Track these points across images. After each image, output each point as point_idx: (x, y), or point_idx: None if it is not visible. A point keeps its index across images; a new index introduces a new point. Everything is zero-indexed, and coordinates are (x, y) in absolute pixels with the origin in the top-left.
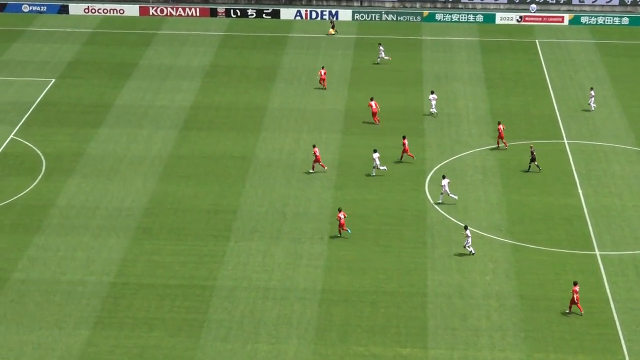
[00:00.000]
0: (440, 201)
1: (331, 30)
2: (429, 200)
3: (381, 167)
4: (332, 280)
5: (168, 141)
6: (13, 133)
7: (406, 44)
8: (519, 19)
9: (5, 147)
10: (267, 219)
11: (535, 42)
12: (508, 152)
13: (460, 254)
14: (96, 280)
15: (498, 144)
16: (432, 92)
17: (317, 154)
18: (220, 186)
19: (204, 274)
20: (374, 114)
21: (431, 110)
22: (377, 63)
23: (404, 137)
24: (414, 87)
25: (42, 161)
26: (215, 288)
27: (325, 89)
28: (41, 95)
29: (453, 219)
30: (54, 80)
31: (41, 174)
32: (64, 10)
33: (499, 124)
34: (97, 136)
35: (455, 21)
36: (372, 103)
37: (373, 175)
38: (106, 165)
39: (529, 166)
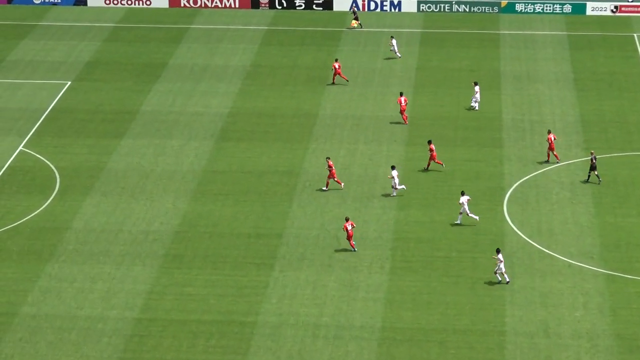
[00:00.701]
0: (458, 222)
1: (354, 23)
2: (509, 223)
3: (399, 187)
4: (394, 316)
5: (202, 154)
6: (22, 144)
7: (481, 39)
8: (614, 10)
9: (13, 160)
10: (317, 245)
11: (633, 36)
12: (602, 167)
13: (546, 286)
14: (118, 316)
15: (549, 156)
16: (476, 84)
17: (333, 167)
18: (263, 206)
19: (244, 309)
20: (402, 112)
21: (472, 104)
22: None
23: (429, 142)
24: (490, 89)
25: (55, 177)
26: (257, 325)
27: (333, 83)
28: (55, 101)
29: (536, 245)
30: (69, 83)
31: (54, 191)
32: (81, 1)
33: (549, 132)
34: (120, 148)
35: (538, 12)
36: (402, 99)
37: (394, 196)
38: (130, 182)
39: (589, 175)
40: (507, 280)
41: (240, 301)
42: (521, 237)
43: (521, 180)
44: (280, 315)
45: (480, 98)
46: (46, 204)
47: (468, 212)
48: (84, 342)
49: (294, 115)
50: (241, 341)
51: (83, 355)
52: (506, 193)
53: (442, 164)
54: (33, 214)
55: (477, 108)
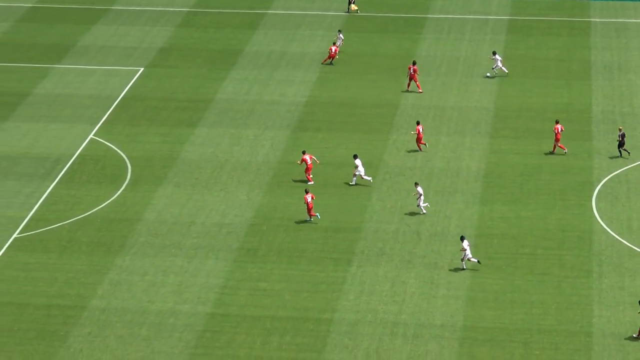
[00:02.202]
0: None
1: (353, 7)
2: (597, 220)
3: (365, 177)
4: (476, 315)
5: (278, 144)
6: (93, 132)
7: (571, 27)
8: None
9: (83, 149)
10: (397, 240)
11: None
12: None
13: (636, 286)
14: (190, 311)
15: (554, 148)
16: (495, 53)
17: (309, 162)
18: (342, 199)
19: (320, 305)
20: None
21: (498, 70)
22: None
23: (417, 123)
24: (580, 80)
25: (127, 167)
26: (333, 322)
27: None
28: (127, 88)
29: (626, 243)
30: (142, 69)
31: (126, 182)
32: None
33: (556, 122)
34: (194, 137)
35: None
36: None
37: (352, 184)
38: (204, 173)
39: (620, 152)
40: (476, 260)
41: (316, 297)
42: (610, 234)
43: (611, 175)
44: (358, 312)
45: (593, 95)
46: (117, 194)
47: (421, 203)
48: (155, 337)
49: (374, 105)
50: (317, 339)
51: (154, 351)
52: (595, 188)
53: (425, 145)
54: (103, 205)
55: (490, 75)
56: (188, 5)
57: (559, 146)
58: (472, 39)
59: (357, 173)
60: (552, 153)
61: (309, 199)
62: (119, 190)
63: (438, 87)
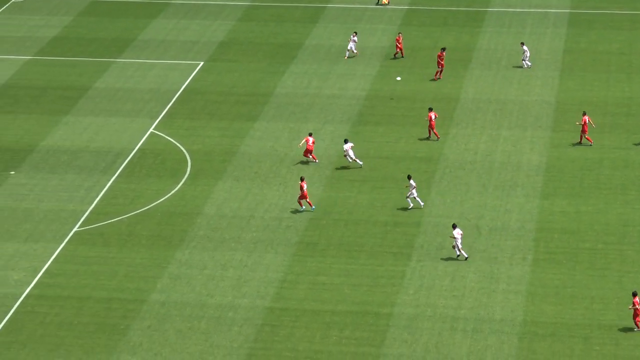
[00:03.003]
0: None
1: (384, 0)
2: None
3: (357, 160)
4: (536, 310)
5: (338, 138)
6: (153, 126)
7: (632, 20)
8: None
9: (143, 143)
10: None
11: None
12: None
13: None
14: (250, 305)
15: (581, 139)
16: (523, 44)
17: (310, 143)
18: (401, 193)
19: (380, 299)
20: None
21: (525, 62)
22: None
23: (430, 110)
24: None
25: (186, 160)
26: (392, 316)
27: (429, 138)
28: (187, 82)
29: None
30: (202, 63)
31: (185, 175)
32: None
33: (584, 114)
34: (253, 131)
35: None
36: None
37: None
38: (263, 167)
39: None
40: (466, 256)
41: (375, 291)
42: None
43: None
44: (417, 307)
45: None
46: (177, 188)
47: (414, 195)
48: (214, 331)
49: (434, 99)
50: (376, 333)
51: (213, 345)
52: None
53: (438, 137)
54: (163, 198)
55: (527, 66)
56: None
57: (586, 138)
58: (533, 32)
59: (350, 158)
60: (579, 144)
61: (305, 186)
62: (178, 184)
63: (499, 81)
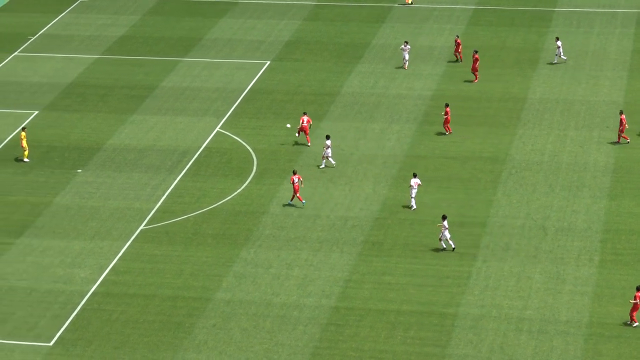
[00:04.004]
0: (413, 206)
1: None
2: None
3: (330, 160)
4: (603, 311)
5: (404, 138)
6: (219, 125)
7: None
8: None
9: (209, 141)
10: (523, 235)
11: None
12: None
13: None
14: (315, 304)
15: (619, 138)
16: (558, 39)
17: (304, 123)
18: (467, 193)
19: (445, 300)
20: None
21: (561, 57)
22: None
23: (446, 105)
24: None
25: (252, 159)
26: (457, 316)
27: (461, 61)
28: (253, 81)
29: None
30: (268, 62)
31: (251, 174)
32: None
33: (620, 113)
34: (319, 131)
35: None
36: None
37: (322, 167)
38: (329, 166)
39: None
40: (453, 246)
41: (440, 291)
42: None
43: None
44: (483, 307)
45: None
46: (242, 187)
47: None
48: (279, 330)
49: (501, 99)
50: (441, 333)
51: (277, 344)
52: None
53: (449, 131)
54: (229, 197)
55: (557, 61)
56: None
57: (623, 136)
58: (601, 32)
59: (326, 155)
60: (617, 143)
61: (296, 180)
62: (244, 183)
63: (567, 81)
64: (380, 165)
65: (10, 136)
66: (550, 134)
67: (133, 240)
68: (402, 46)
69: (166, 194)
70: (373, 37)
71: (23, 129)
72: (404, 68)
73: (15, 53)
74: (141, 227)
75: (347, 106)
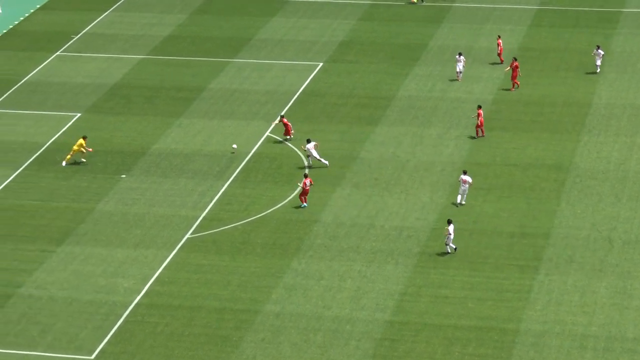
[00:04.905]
0: (460, 202)
1: None
2: None
3: (322, 160)
4: None
5: (463, 144)
6: (269, 130)
7: None
8: None
9: (259, 146)
10: (588, 247)
11: None
12: None
13: None
14: (368, 318)
15: None
16: (598, 47)
17: (287, 122)
18: (528, 203)
19: (505, 314)
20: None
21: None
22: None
23: (479, 107)
24: None
25: (304, 166)
26: (519, 332)
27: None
28: (305, 84)
29: None
30: (321, 64)
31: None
32: None
33: None
34: (374, 136)
35: None
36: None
37: (308, 166)
38: (384, 173)
39: None
40: (454, 247)
41: (501, 306)
42: None
43: None
44: (545, 323)
45: None
46: (293, 194)
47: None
48: (330, 345)
49: (564, 103)
50: (501, 350)
51: (329, 359)
52: None
53: (481, 135)
54: (279, 205)
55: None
56: None
57: None
58: None
59: (312, 159)
60: None
61: (308, 183)
62: (295, 190)
63: (634, 85)
64: (437, 173)
65: (52, 139)
66: (616, 141)
67: (179, 249)
68: (457, 57)
69: (214, 201)
70: (430, 38)
71: (84, 137)
72: (458, 79)
73: (58, 52)
74: (187, 236)
75: (403, 110)
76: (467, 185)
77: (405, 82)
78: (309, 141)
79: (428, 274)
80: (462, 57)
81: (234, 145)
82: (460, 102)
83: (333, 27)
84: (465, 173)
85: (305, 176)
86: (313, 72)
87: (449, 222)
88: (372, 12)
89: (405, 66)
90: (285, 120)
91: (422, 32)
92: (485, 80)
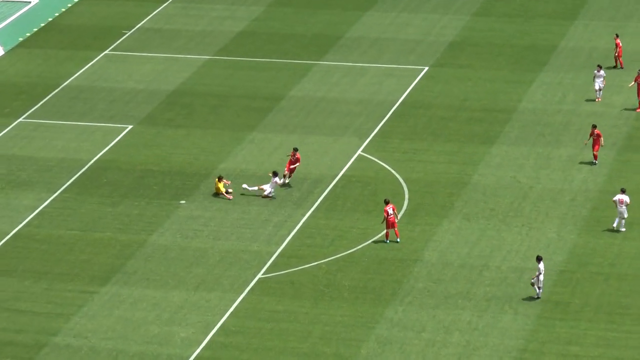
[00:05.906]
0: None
1: None
2: None
3: (251, 188)
4: None
5: (599, 168)
6: (361, 148)
7: None
8: None
9: (349, 168)
10: None
11: None
12: None
13: None
14: None
15: None
16: (600, 68)
17: (293, 159)
18: None
19: None
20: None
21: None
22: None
23: (594, 127)
24: None
25: (403, 192)
26: None
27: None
28: (406, 92)
29: None
30: (426, 69)
31: (402, 211)
32: None
33: None
34: (490, 157)
35: None
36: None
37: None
38: (501, 203)
39: None
40: (538, 293)
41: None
42: None
43: None
44: None
45: None
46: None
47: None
48: None
49: None
50: None
51: None
52: None
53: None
54: (372, 240)
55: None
56: None
57: None
58: None
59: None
60: None
61: (390, 211)
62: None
63: None
64: (567, 203)
65: (97, 157)
66: None
67: (248, 291)
68: (595, 71)
69: (292, 233)
70: (562, 38)
71: (219, 178)
72: (597, 100)
73: (106, 51)
74: (259, 276)
75: (527, 126)
76: (624, 207)
77: (529, 91)
78: (275, 174)
79: (554, 327)
80: (602, 72)
81: (182, 201)
82: (596, 117)
83: (441, 24)
84: (623, 192)
85: (386, 202)
86: (416, 78)
87: (539, 259)
88: (489, 6)
89: (529, 72)
90: (298, 155)
91: (551, 30)
92: (628, 91)
